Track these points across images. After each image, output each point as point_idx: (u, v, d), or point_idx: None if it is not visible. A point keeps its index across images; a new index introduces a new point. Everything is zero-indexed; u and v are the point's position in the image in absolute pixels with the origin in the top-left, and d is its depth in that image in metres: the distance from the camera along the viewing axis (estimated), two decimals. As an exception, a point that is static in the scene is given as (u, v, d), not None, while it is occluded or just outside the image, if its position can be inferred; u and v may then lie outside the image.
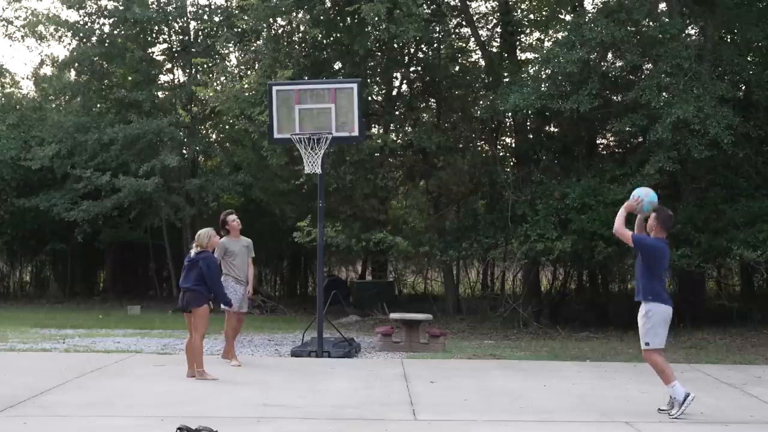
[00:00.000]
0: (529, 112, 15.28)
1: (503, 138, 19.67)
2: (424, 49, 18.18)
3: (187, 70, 21.24)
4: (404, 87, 19.55)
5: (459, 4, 17.56)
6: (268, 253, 25.36)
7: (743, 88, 15.23)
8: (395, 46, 17.16)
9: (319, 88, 11.64)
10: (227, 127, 20.28)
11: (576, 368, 10.19)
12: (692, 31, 15.85)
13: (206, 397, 7.93)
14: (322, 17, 15.98)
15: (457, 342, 13.01)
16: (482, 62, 18.50)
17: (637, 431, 6.84)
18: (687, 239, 14.11)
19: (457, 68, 19.29)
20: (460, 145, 17.98)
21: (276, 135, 11.49)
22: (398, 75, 18.99)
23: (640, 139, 15.59)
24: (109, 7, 20.64)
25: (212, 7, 21.36)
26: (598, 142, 17.85)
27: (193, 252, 9.06)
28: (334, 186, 16.53)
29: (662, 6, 15.41)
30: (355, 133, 11.31)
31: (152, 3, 20.62)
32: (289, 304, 20.30)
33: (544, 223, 14.38)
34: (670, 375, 7.38)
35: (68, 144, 19.91)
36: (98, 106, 21.75)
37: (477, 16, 18.84)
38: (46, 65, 22.62)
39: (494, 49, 18.41)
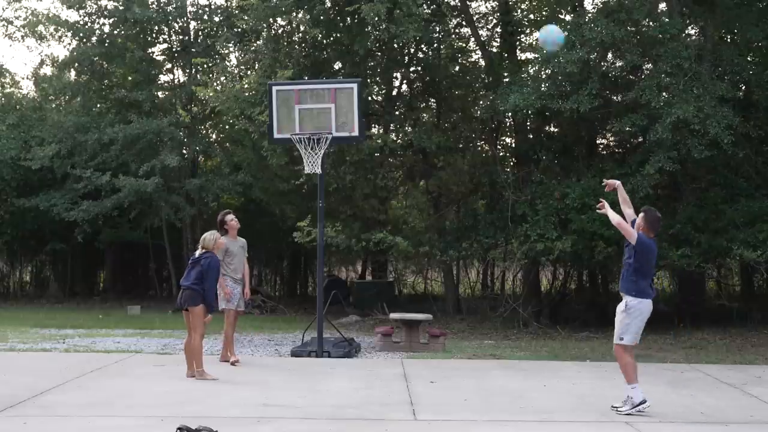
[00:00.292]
0: (529, 112, 15.28)
1: (503, 138, 19.67)
2: (424, 49, 18.18)
3: (187, 70, 21.24)
4: (404, 87, 19.56)
5: (459, 4, 17.56)
6: (268, 253, 25.39)
7: (743, 88, 15.23)
8: (395, 46, 17.16)
9: (319, 88, 11.64)
10: (227, 127, 20.27)
11: (576, 368, 10.19)
12: (692, 31, 15.86)
13: (206, 397, 7.93)
14: (322, 17, 15.98)
15: (457, 342, 13.01)
16: (482, 62, 18.50)
17: (637, 431, 6.84)
18: (687, 239, 14.11)
19: (457, 68, 19.29)
20: (460, 145, 17.98)
21: (276, 135, 11.49)
22: (398, 75, 19.00)
23: (640, 139, 15.59)
24: (109, 7, 20.63)
25: (212, 7, 21.37)
26: (598, 142, 17.85)
27: (197, 253, 9.14)
28: (334, 186, 16.53)
29: (662, 6, 15.41)
30: (355, 133, 11.31)
31: (152, 3, 20.61)
32: (289, 304, 20.31)
33: (544, 223, 14.38)
34: (633, 376, 7.44)
35: (68, 144, 19.91)
36: (98, 106, 21.75)
37: (477, 16, 18.85)
38: (46, 65, 22.66)
39: (494, 49, 18.41)
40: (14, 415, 7.06)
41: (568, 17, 16.91)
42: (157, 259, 23.46)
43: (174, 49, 21.51)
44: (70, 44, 21.40)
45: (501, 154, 18.54)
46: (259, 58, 16.34)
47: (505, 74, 16.72)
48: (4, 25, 21.69)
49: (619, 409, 7.42)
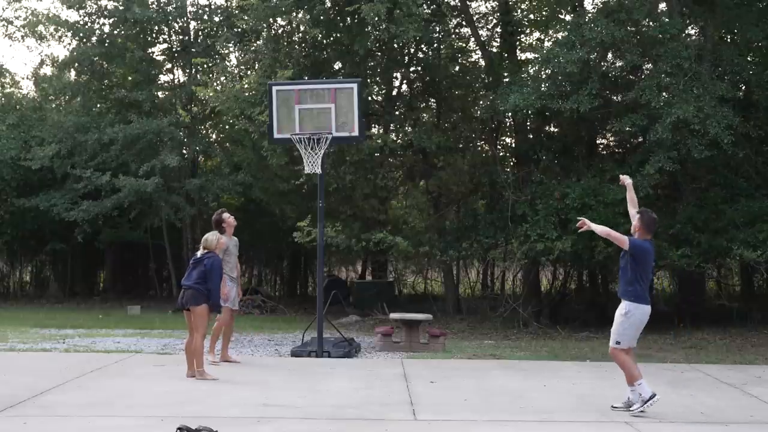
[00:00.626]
0: (529, 112, 15.29)
1: (503, 138, 19.68)
2: (424, 49, 18.18)
3: (187, 70, 21.24)
4: (404, 87, 19.57)
5: (459, 4, 17.56)
6: (268, 253, 25.41)
7: (743, 88, 15.23)
8: (395, 46, 17.17)
9: (319, 88, 11.65)
10: (227, 127, 20.27)
11: (576, 368, 10.19)
12: (692, 31, 15.86)
13: (206, 397, 7.93)
14: (322, 17, 15.99)
15: (457, 342, 13.01)
16: (482, 62, 18.50)
17: (637, 431, 6.84)
18: (687, 239, 14.11)
19: (457, 68, 19.29)
20: (460, 145, 17.98)
21: (276, 135, 11.49)
22: (398, 75, 19.00)
23: (640, 139, 15.59)
24: (109, 7, 20.64)
25: (212, 7, 21.38)
26: (598, 142, 17.85)
27: (199, 253, 9.16)
28: (334, 186, 16.53)
29: (662, 6, 15.41)
30: (355, 133, 11.32)
31: (152, 3, 20.62)
32: (289, 304, 20.31)
33: (544, 223, 14.38)
34: (636, 373, 7.42)
35: (68, 144, 19.91)
36: (98, 106, 21.76)
37: (477, 16, 18.86)
38: (46, 65, 22.66)
39: (494, 49, 18.41)
40: (14, 415, 7.06)
41: (568, 17, 16.91)
42: (157, 259, 23.46)
43: (174, 49, 21.51)
44: (70, 44, 21.42)
45: (501, 154, 18.54)
46: (259, 58, 16.34)
47: (505, 74, 16.72)
48: (4, 25, 21.72)
49: (631, 409, 7.37)
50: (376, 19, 14.23)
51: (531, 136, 17.40)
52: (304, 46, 16.70)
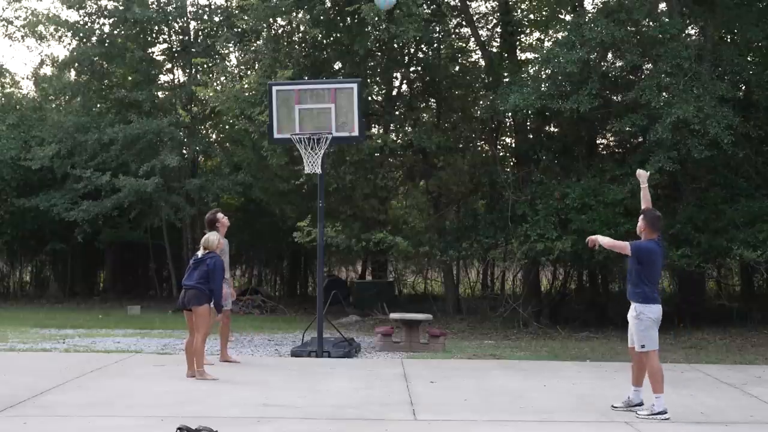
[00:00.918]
0: (529, 112, 15.29)
1: (503, 138, 19.67)
2: (424, 49, 18.18)
3: (187, 70, 21.24)
4: (404, 87, 19.56)
5: (459, 4, 17.56)
6: (268, 253, 25.40)
7: (743, 88, 15.23)
8: (395, 46, 17.17)
9: (319, 88, 11.65)
10: (227, 127, 20.28)
11: (576, 368, 10.19)
12: (692, 31, 15.86)
13: (206, 397, 7.93)
14: (322, 17, 15.98)
15: (457, 342, 13.01)
16: (482, 62, 18.50)
17: (637, 431, 6.84)
18: (687, 239, 14.11)
19: (457, 68, 19.29)
20: (460, 145, 17.98)
21: (276, 135, 11.49)
22: (398, 75, 19.00)
23: (640, 139, 15.59)
24: (109, 7, 20.64)
25: (212, 7, 21.37)
26: (598, 142, 17.85)
27: (200, 253, 9.16)
28: (334, 186, 16.53)
29: (662, 6, 15.41)
30: (355, 133, 11.31)
31: (152, 3, 20.62)
32: (289, 304, 20.30)
33: (544, 223, 14.38)
34: (660, 386, 7.32)
35: (68, 144, 19.91)
36: (98, 106, 21.75)
37: (477, 16, 18.85)
38: (46, 65, 22.66)
39: (494, 49, 18.41)
40: (14, 415, 7.06)
41: (568, 17, 16.91)
42: (157, 259, 23.46)
43: (174, 49, 21.51)
44: (70, 44, 21.42)
45: (501, 154, 18.54)
46: (259, 58, 16.34)
47: (505, 74, 16.72)
48: (4, 25, 21.72)
49: (638, 413, 7.34)
50: (376, 19, 14.23)
51: (531, 136, 17.40)
52: (304, 46, 16.70)
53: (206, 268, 8.93)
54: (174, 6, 20.78)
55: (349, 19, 15.58)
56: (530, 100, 13.77)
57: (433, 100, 19.13)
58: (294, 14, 15.79)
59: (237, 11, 17.75)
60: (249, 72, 16.45)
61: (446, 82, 18.49)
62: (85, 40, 20.85)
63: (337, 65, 17.53)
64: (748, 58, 14.93)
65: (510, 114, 16.07)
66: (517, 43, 18.16)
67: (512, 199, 15.30)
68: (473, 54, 19.61)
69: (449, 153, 17.52)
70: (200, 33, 21.30)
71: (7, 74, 23.72)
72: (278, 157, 15.65)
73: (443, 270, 19.32)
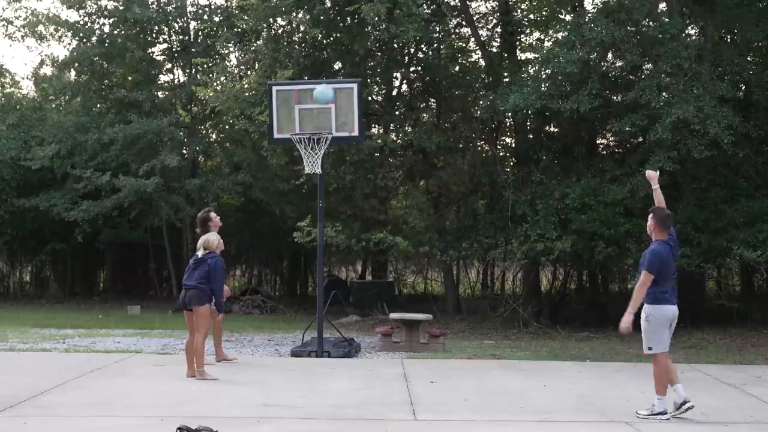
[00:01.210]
0: (529, 112, 15.29)
1: (503, 138, 19.67)
2: (424, 49, 18.18)
3: (187, 70, 21.23)
4: (404, 87, 19.56)
5: (459, 4, 17.56)
6: (268, 253, 25.41)
7: (743, 88, 15.22)
8: (395, 46, 17.16)
9: (319, 88, 11.64)
10: (227, 127, 20.27)
11: (576, 368, 10.19)
12: (692, 31, 15.85)
13: (206, 397, 7.93)
14: (322, 17, 15.98)
15: (457, 342, 13.01)
16: (482, 62, 18.50)
17: (637, 431, 6.84)
18: (687, 239, 14.09)
19: (457, 68, 19.28)
20: (460, 145, 17.98)
21: (276, 135, 11.50)
22: (398, 75, 18.99)
23: (640, 139, 15.59)
24: (109, 7, 20.63)
25: (212, 7, 21.37)
26: (598, 142, 17.85)
27: (200, 253, 9.16)
28: (334, 186, 16.52)
29: (662, 6, 15.41)
30: (355, 133, 11.32)
31: (152, 3, 20.61)
32: (289, 304, 20.30)
33: (544, 223, 14.38)
34: (664, 387, 7.34)
35: (68, 144, 19.90)
36: (98, 106, 21.75)
37: (477, 16, 18.85)
38: (46, 65, 22.64)
39: (494, 49, 18.41)
40: (14, 415, 7.06)
41: (568, 17, 16.91)
42: (157, 259, 23.45)
43: (174, 49, 21.51)
44: (70, 44, 21.41)
45: (501, 154, 18.54)
46: (259, 58, 16.34)
47: (505, 74, 16.72)
48: (4, 25, 21.71)
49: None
50: (376, 19, 14.23)
51: (531, 136, 17.40)
52: (304, 46, 16.70)
53: (207, 268, 8.95)
54: (174, 6, 20.77)
55: (349, 19, 15.58)
56: (530, 100, 13.77)
57: (433, 100, 19.12)
58: (294, 14, 15.79)
59: (237, 11, 17.74)
60: (249, 72, 16.45)
61: (446, 82, 18.49)
62: (85, 40, 20.85)
63: (337, 65, 17.53)
64: (748, 58, 14.93)
65: (510, 114, 16.07)
66: (517, 43, 18.15)
67: (512, 199, 15.30)
68: (473, 54, 19.62)
69: (449, 153, 17.52)
70: (200, 33, 21.29)
71: (7, 74, 23.72)
72: (278, 157, 15.65)
73: (443, 270, 19.31)
